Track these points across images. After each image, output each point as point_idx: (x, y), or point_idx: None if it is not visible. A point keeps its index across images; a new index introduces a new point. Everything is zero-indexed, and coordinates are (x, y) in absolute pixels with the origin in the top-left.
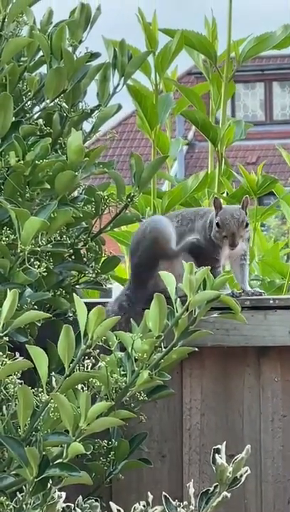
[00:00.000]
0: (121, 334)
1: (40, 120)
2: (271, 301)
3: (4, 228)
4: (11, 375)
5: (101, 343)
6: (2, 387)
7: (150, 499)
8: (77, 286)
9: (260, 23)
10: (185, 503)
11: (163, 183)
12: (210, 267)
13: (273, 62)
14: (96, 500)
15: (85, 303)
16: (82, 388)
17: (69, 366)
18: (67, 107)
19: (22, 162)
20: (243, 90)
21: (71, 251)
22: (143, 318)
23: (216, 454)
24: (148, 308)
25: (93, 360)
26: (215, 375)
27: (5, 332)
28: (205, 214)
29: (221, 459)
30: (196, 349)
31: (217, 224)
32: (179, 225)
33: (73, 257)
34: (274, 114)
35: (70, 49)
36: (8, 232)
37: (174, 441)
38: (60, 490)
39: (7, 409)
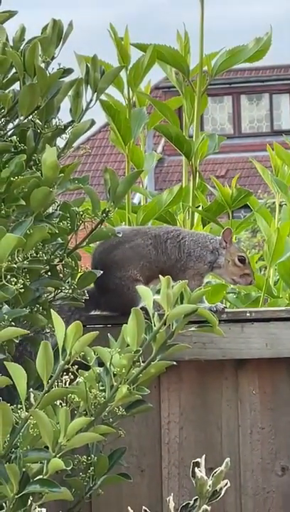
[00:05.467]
0: (99, 349)
1: (14, 137)
2: (248, 314)
3: None
4: None
5: (79, 359)
6: None
7: None
8: (54, 302)
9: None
10: None
11: (134, 196)
12: (186, 281)
13: (241, 75)
14: None
15: None
16: (61, 404)
17: (47, 382)
18: (40, 123)
19: None
20: (211, 104)
21: (47, 267)
22: (121, 334)
23: (195, 468)
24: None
25: (72, 376)
26: (193, 388)
27: None
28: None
29: (200, 473)
30: (174, 363)
31: (242, 260)
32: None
33: (49, 273)
34: (243, 127)
35: (43, 65)
36: None
37: (153, 455)
38: (40, 506)
39: None
